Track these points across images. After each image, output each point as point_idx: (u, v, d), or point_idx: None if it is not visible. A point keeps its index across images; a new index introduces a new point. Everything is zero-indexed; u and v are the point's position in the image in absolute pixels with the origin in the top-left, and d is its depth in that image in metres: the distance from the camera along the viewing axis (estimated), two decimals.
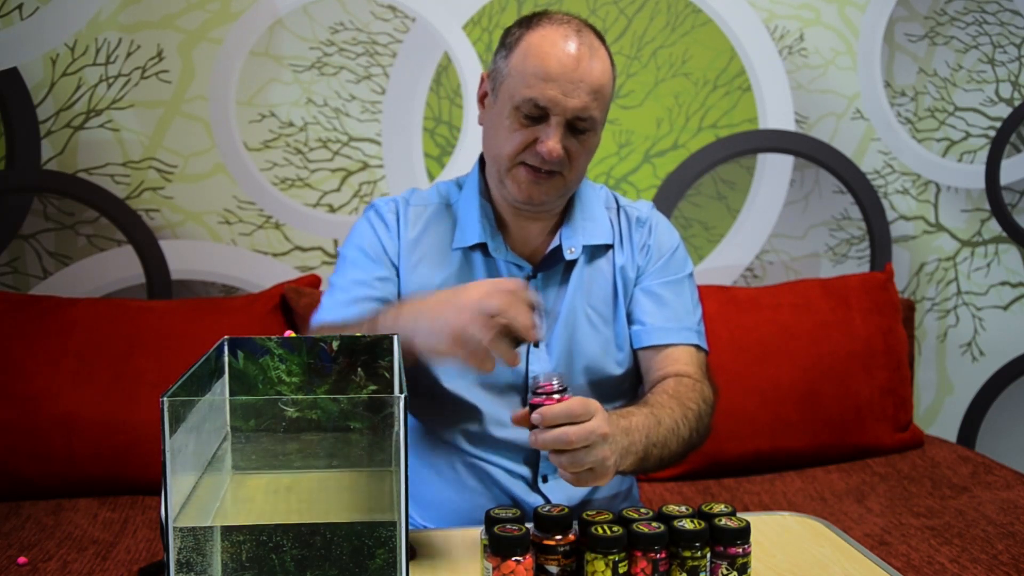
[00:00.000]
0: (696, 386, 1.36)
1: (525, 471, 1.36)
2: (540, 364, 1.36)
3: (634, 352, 1.41)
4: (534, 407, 1.08)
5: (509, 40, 1.31)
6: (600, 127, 1.31)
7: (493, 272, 1.37)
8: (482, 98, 1.36)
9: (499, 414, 1.34)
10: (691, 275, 1.46)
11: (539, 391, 1.09)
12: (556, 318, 1.37)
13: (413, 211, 1.41)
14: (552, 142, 1.25)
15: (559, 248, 1.36)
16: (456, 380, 1.36)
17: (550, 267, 1.37)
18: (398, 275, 1.38)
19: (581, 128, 1.28)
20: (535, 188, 1.30)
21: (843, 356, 2.05)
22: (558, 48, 1.25)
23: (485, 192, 1.39)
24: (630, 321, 1.42)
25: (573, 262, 1.38)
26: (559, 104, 1.25)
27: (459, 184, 1.44)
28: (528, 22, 1.31)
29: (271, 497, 0.97)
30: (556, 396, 1.08)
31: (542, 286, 1.37)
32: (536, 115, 1.26)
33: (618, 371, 1.40)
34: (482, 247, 1.36)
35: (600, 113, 1.29)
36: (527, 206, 1.33)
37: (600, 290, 1.40)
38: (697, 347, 1.42)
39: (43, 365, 1.82)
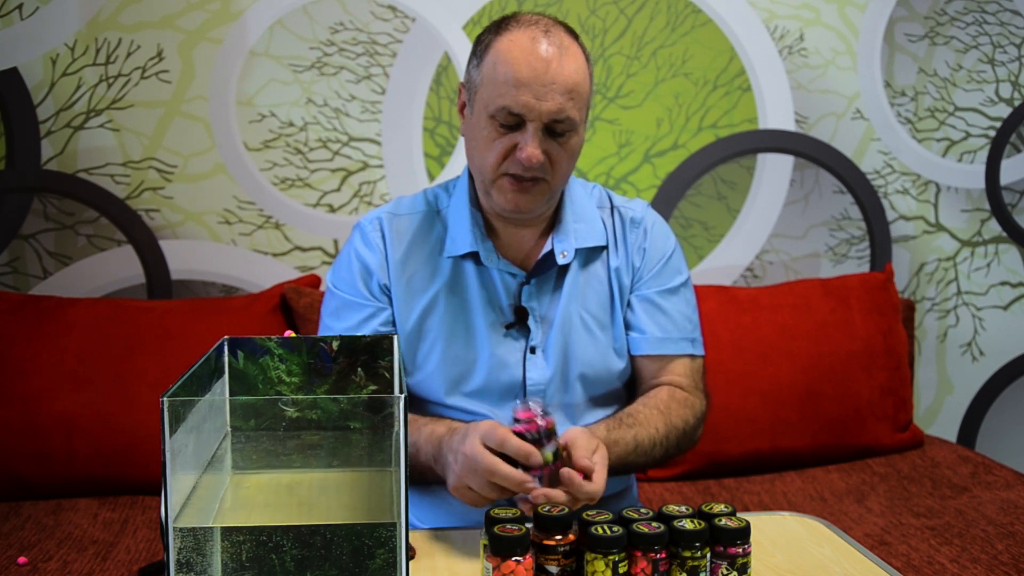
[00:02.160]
0: (688, 400, 1.38)
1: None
2: (537, 371, 1.36)
3: (630, 357, 1.42)
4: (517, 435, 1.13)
5: (479, 48, 1.30)
6: (581, 127, 1.29)
7: (486, 280, 1.36)
8: (461, 108, 1.35)
9: (498, 419, 1.34)
10: (687, 280, 1.46)
11: (519, 420, 1.13)
12: (551, 324, 1.36)
13: (399, 223, 1.40)
14: (531, 148, 1.24)
15: (551, 253, 1.35)
16: (455, 391, 1.36)
17: (543, 272, 1.37)
18: (390, 294, 1.38)
19: (560, 131, 1.26)
20: (521, 197, 1.29)
21: (843, 356, 2.05)
22: (527, 52, 1.23)
23: (474, 200, 1.37)
24: (627, 327, 1.41)
25: (567, 266, 1.38)
26: (533, 109, 1.23)
27: (448, 190, 1.42)
28: (496, 27, 1.29)
29: (271, 497, 0.97)
30: (540, 422, 1.13)
31: (536, 292, 1.37)
32: (512, 123, 1.25)
33: (616, 380, 1.40)
34: (474, 256, 1.36)
35: (578, 112, 1.26)
36: (515, 215, 1.33)
37: (596, 294, 1.39)
38: (692, 356, 1.42)
39: (43, 365, 1.82)
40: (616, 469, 1.25)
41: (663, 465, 1.37)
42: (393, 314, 1.37)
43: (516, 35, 1.25)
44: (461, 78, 2.17)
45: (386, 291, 1.37)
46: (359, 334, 1.36)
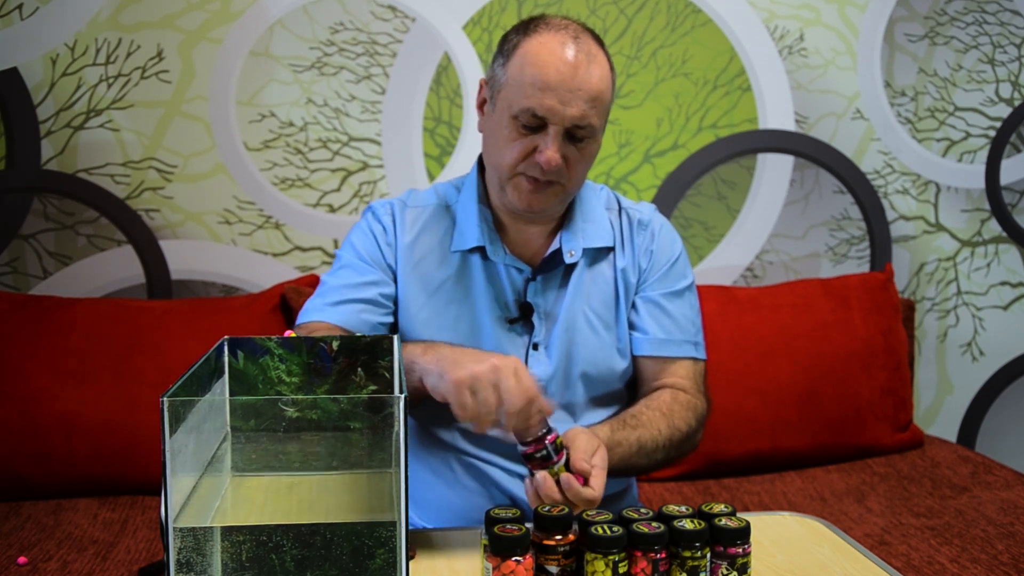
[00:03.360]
0: (691, 403, 1.38)
1: (523, 470, 1.35)
2: (540, 368, 1.35)
3: (632, 358, 1.42)
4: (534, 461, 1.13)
5: (506, 47, 1.30)
6: (600, 134, 1.30)
7: (492, 275, 1.37)
8: (481, 105, 1.35)
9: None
10: (692, 284, 1.46)
11: (536, 456, 1.12)
12: (555, 321, 1.37)
13: (410, 214, 1.41)
14: (551, 152, 1.25)
15: (559, 251, 1.36)
16: None
17: (549, 270, 1.37)
18: (395, 278, 1.38)
19: (580, 136, 1.27)
20: (535, 197, 1.29)
21: (843, 356, 2.05)
22: (555, 56, 1.24)
23: (484, 196, 1.38)
24: (631, 327, 1.42)
25: (573, 265, 1.38)
26: (557, 113, 1.24)
27: (457, 187, 1.43)
28: (525, 28, 1.29)
29: (271, 497, 0.97)
30: (554, 454, 1.12)
31: (541, 288, 1.37)
32: (534, 124, 1.25)
33: (617, 380, 1.40)
34: (481, 250, 1.36)
35: (599, 120, 1.28)
36: (527, 213, 1.33)
37: (601, 293, 1.40)
38: (695, 359, 1.42)
39: (43, 365, 1.82)
40: (617, 471, 1.25)
41: (663, 468, 1.38)
42: (395, 295, 1.37)
43: (545, 38, 1.26)
44: (461, 78, 2.19)
45: (391, 270, 1.38)
46: (357, 294, 1.34)
